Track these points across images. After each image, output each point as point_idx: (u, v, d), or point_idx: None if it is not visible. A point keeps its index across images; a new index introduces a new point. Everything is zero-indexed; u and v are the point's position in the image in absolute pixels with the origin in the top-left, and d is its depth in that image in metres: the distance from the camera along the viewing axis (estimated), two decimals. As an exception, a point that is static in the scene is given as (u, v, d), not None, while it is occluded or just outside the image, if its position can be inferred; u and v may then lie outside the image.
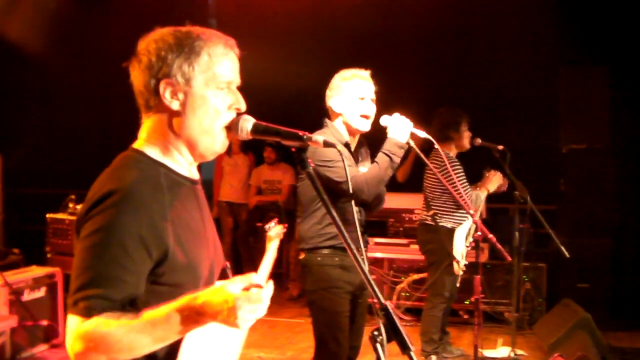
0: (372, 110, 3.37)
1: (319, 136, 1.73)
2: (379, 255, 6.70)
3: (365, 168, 3.43)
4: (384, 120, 3.36)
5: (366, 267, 1.65)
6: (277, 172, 7.86)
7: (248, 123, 1.72)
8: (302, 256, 3.42)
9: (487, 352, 5.42)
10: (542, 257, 6.47)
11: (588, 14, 6.98)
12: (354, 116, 3.35)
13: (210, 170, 8.25)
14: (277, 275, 7.76)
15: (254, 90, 2.16)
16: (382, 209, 3.66)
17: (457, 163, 5.00)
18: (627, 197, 7.16)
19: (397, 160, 3.31)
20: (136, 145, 1.72)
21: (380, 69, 3.51)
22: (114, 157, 1.70)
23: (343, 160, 1.85)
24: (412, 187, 6.06)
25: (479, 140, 5.06)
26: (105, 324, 1.46)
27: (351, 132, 3.41)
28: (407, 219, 6.95)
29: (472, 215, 3.69)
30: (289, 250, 7.64)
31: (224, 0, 8.66)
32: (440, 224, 5.08)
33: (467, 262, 4.88)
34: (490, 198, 5.74)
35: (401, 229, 6.97)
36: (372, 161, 3.41)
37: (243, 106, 1.74)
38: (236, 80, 1.74)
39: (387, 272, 6.68)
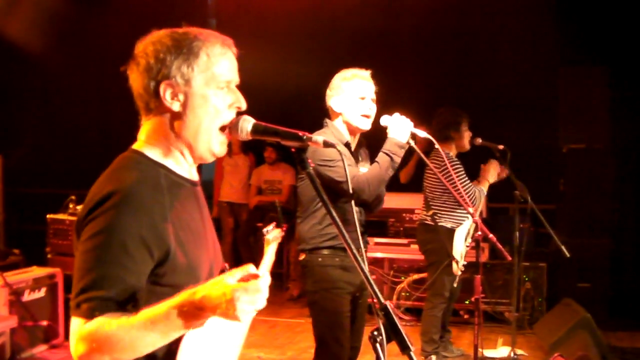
0: (372, 110, 3.38)
1: (318, 136, 1.73)
2: (379, 255, 6.70)
3: (365, 168, 3.43)
4: (384, 120, 3.36)
5: (366, 267, 1.65)
6: (278, 172, 7.87)
7: (248, 123, 1.73)
8: (302, 257, 3.42)
9: (487, 352, 5.42)
10: (542, 257, 6.48)
11: (588, 14, 6.98)
12: (354, 115, 3.35)
13: (210, 171, 8.25)
14: (278, 275, 7.77)
15: (254, 90, 2.16)
16: (383, 208, 3.66)
17: (458, 162, 5.00)
18: (627, 197, 7.16)
19: (398, 160, 3.31)
20: (136, 146, 1.72)
21: (380, 69, 3.51)
22: (114, 157, 1.70)
23: (343, 160, 1.85)
24: (413, 187, 6.07)
25: (479, 140, 5.06)
26: (107, 324, 1.46)
27: (352, 131, 3.41)
28: (407, 218, 6.95)
29: (472, 215, 3.69)
30: (289, 250, 7.65)
31: (224, 0, 8.65)
32: (440, 223, 5.08)
33: (465, 262, 4.88)
34: (491, 198, 5.75)
35: (401, 228, 6.97)
36: (371, 162, 3.41)
37: (243, 105, 1.74)
38: (235, 79, 1.75)
39: (388, 272, 6.68)
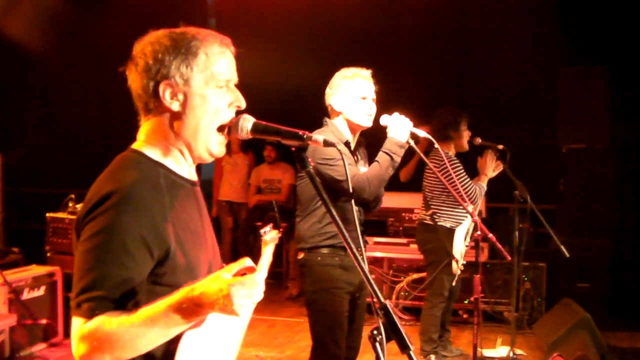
0: (373, 110, 3.37)
1: (318, 135, 1.72)
2: (378, 254, 6.70)
3: (365, 168, 3.42)
4: (384, 119, 3.36)
5: (366, 267, 1.64)
6: (277, 172, 7.87)
7: (248, 122, 1.73)
8: (301, 256, 3.41)
9: (486, 352, 5.42)
10: (542, 257, 6.48)
11: (588, 14, 6.99)
12: (356, 113, 3.35)
13: (210, 170, 8.25)
14: (277, 274, 7.77)
15: (254, 90, 2.16)
16: (382, 208, 3.66)
17: (457, 162, 5.01)
18: (627, 197, 7.17)
19: (398, 159, 3.31)
20: (135, 146, 1.72)
21: (380, 69, 3.51)
22: (114, 156, 1.70)
23: (343, 159, 1.85)
24: (412, 186, 6.07)
25: (479, 140, 5.06)
26: (107, 322, 1.47)
27: (352, 129, 3.41)
28: (406, 218, 6.96)
29: (471, 215, 3.69)
30: (289, 249, 7.65)
31: (224, 0, 8.65)
32: (439, 223, 5.08)
33: (465, 262, 4.89)
34: (490, 197, 5.75)
35: (401, 228, 6.97)
36: (370, 162, 3.40)
37: (243, 103, 1.74)
38: (234, 78, 1.75)
39: (387, 271, 6.68)
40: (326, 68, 3.57)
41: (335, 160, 3.21)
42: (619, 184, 6.86)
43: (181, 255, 1.61)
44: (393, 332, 1.52)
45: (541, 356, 5.43)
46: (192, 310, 1.46)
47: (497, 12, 7.57)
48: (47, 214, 6.31)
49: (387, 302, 1.56)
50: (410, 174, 6.18)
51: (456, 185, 4.64)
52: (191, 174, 1.78)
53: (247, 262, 1.53)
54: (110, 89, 6.41)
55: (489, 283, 6.35)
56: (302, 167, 1.71)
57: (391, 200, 6.20)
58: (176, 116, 1.69)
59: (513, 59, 7.42)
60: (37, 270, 5.38)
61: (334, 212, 1.65)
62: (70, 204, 6.25)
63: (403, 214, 6.98)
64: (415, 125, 3.36)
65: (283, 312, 6.78)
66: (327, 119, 3.44)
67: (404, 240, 6.73)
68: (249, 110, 1.76)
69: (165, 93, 1.66)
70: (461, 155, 5.21)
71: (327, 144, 1.74)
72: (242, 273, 1.51)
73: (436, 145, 3.63)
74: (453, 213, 5.08)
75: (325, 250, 3.31)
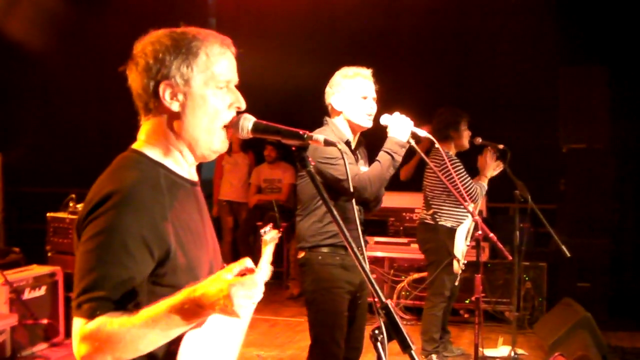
0: (374, 109, 3.37)
1: (319, 135, 1.72)
2: (379, 254, 6.70)
3: (365, 168, 3.42)
4: (385, 119, 3.35)
5: (367, 266, 1.64)
6: (277, 171, 7.87)
7: (249, 122, 1.72)
8: (301, 255, 3.40)
9: (487, 352, 5.42)
10: (542, 257, 6.48)
11: (588, 14, 6.99)
12: (356, 113, 3.34)
13: (210, 169, 8.25)
14: (278, 274, 7.77)
15: (254, 89, 2.16)
16: (383, 207, 3.66)
17: (457, 161, 5.01)
18: (627, 197, 7.17)
19: (399, 159, 3.31)
20: (136, 146, 1.72)
21: (380, 68, 3.50)
22: (114, 156, 1.70)
23: (344, 159, 1.85)
24: (413, 186, 6.07)
25: (479, 140, 5.06)
26: (109, 323, 1.47)
27: (353, 129, 3.40)
28: (407, 218, 6.96)
29: (472, 214, 3.69)
30: (289, 249, 7.65)
31: (224, 0, 8.65)
32: (440, 223, 5.08)
33: (465, 262, 4.89)
34: (491, 197, 5.75)
35: (401, 228, 6.97)
36: (370, 162, 3.40)
37: (243, 104, 1.74)
38: (234, 78, 1.75)
39: (388, 271, 6.69)
40: (326, 68, 3.56)
41: (336, 160, 3.21)
42: (619, 184, 6.87)
43: (182, 256, 1.61)
44: (394, 332, 1.52)
45: (542, 356, 5.43)
46: (194, 311, 1.46)
47: (497, 12, 7.57)
48: (48, 214, 6.31)
49: (389, 302, 1.55)
50: (411, 173, 6.19)
51: (457, 184, 4.64)
52: (191, 174, 1.77)
53: (247, 262, 1.53)
54: (110, 89, 6.41)
55: (489, 283, 6.35)
56: (302, 167, 1.71)
57: (392, 200, 6.20)
58: (176, 116, 1.69)
59: (513, 59, 7.41)
60: (38, 270, 5.38)
61: (335, 211, 1.65)
62: (71, 204, 6.25)
63: (404, 214, 6.98)
64: (416, 125, 3.36)
65: (284, 312, 6.78)
66: (327, 118, 3.43)
67: (405, 240, 6.73)
68: (249, 109, 1.76)
69: (166, 93, 1.66)
70: (462, 154, 5.21)
71: (327, 143, 1.74)
72: (243, 274, 1.51)
73: (437, 145, 3.63)
74: (454, 213, 5.08)
75: (325, 250, 3.31)
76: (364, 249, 1.77)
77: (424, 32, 7.85)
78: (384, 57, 7.48)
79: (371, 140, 3.57)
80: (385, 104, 3.49)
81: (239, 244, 7.90)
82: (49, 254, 6.24)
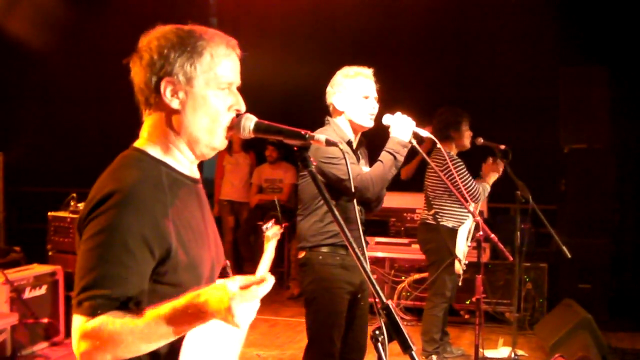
0: (375, 109, 3.36)
1: (321, 135, 1.72)
2: (380, 254, 6.70)
3: (367, 168, 3.42)
4: (386, 119, 3.34)
5: (368, 266, 1.64)
6: (279, 171, 7.87)
7: (250, 122, 1.72)
8: (302, 255, 3.40)
9: (488, 352, 5.41)
10: (543, 257, 6.48)
11: (588, 14, 6.99)
12: (358, 113, 3.34)
13: (211, 169, 8.25)
14: (278, 274, 7.77)
15: (254, 89, 2.16)
16: (383, 208, 3.65)
17: (459, 160, 5.01)
18: (628, 197, 7.17)
19: (401, 159, 3.30)
20: (137, 144, 1.72)
21: (380, 68, 3.50)
22: (115, 155, 1.69)
23: (345, 159, 1.85)
24: (414, 186, 6.07)
25: (480, 140, 5.06)
26: (111, 323, 1.47)
27: (355, 129, 3.40)
28: (408, 218, 6.96)
29: (473, 215, 3.69)
30: (290, 249, 7.65)
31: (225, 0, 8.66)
32: (442, 223, 5.08)
33: (467, 262, 4.89)
34: (492, 198, 5.74)
35: (402, 228, 6.97)
36: (371, 162, 3.39)
37: (242, 107, 1.74)
38: (237, 81, 1.74)
39: (388, 271, 6.68)
40: (327, 68, 3.56)
41: (338, 159, 3.20)
42: (620, 184, 6.86)
43: (183, 254, 1.61)
44: (395, 332, 1.51)
45: (542, 357, 5.42)
46: (197, 316, 1.47)
47: (497, 12, 7.57)
48: (49, 213, 6.32)
49: (389, 302, 1.55)
50: (412, 173, 6.20)
51: (458, 184, 4.64)
52: (192, 171, 1.77)
53: (254, 279, 1.54)
54: (110, 88, 6.42)
55: (490, 283, 6.35)
56: (304, 167, 1.70)
57: (393, 200, 6.19)
58: (175, 114, 1.68)
59: (513, 59, 7.41)
60: (38, 269, 5.38)
61: (336, 211, 1.65)
62: (72, 203, 6.26)
63: (405, 214, 6.98)
64: (418, 125, 3.36)
65: (284, 312, 6.78)
66: (329, 118, 3.43)
67: (406, 240, 6.73)
68: (249, 109, 1.76)
69: (167, 90, 1.66)
70: (464, 154, 5.21)
71: (329, 143, 1.73)
72: (247, 287, 1.52)
73: (438, 145, 3.63)
74: (455, 213, 5.07)
75: (325, 249, 3.30)
76: (365, 249, 1.77)
77: (424, 32, 7.85)
78: (384, 57, 7.47)
79: (373, 140, 3.57)
80: (386, 104, 3.49)
81: (240, 244, 7.91)
82: (50, 253, 6.25)
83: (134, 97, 1.73)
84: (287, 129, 1.71)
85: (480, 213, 5.20)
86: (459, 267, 4.82)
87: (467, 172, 4.95)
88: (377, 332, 1.55)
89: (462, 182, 4.78)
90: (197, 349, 1.62)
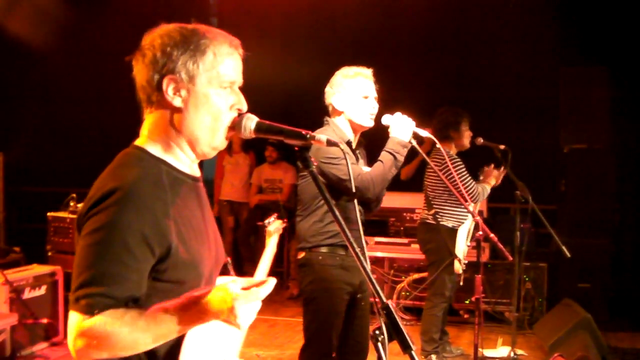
0: (375, 109, 3.36)
1: (321, 135, 1.71)
2: (379, 254, 6.70)
3: (367, 168, 3.41)
4: (386, 119, 3.34)
5: (368, 266, 1.64)
6: (278, 171, 7.87)
7: (251, 122, 1.72)
8: (301, 255, 3.39)
9: (487, 352, 5.42)
10: (543, 257, 6.48)
11: (588, 15, 6.99)
12: (358, 113, 3.34)
13: (211, 169, 8.26)
14: (278, 274, 7.77)
15: (254, 89, 2.15)
16: (383, 208, 3.65)
17: (459, 160, 5.01)
18: (628, 197, 7.17)
19: (401, 159, 3.30)
20: (138, 142, 1.72)
21: (380, 69, 3.50)
22: (115, 155, 1.69)
23: (346, 159, 1.85)
24: (413, 186, 6.07)
25: (480, 140, 5.06)
26: (109, 322, 1.47)
27: (354, 129, 3.39)
28: (407, 218, 6.96)
29: (473, 215, 3.69)
30: (290, 249, 7.65)
31: (225, -1, 8.67)
32: (442, 223, 5.08)
33: (466, 262, 4.89)
34: (492, 198, 5.74)
35: (402, 228, 6.97)
36: (370, 163, 3.39)
37: (244, 107, 1.74)
38: (239, 80, 1.75)
39: (388, 271, 6.69)
40: (326, 68, 3.56)
41: (338, 160, 3.20)
42: (620, 184, 6.86)
43: (183, 252, 1.61)
44: (395, 332, 1.52)
45: (542, 356, 5.43)
46: (198, 316, 1.48)
47: (497, 12, 7.57)
48: (48, 214, 6.32)
49: (389, 302, 1.56)
50: (412, 173, 6.20)
51: (458, 184, 4.64)
52: (193, 170, 1.77)
53: (255, 280, 1.54)
54: (110, 88, 6.42)
55: (490, 283, 6.35)
56: (305, 167, 1.70)
57: (392, 200, 6.19)
58: (177, 112, 1.69)
59: (513, 59, 7.42)
60: (38, 269, 5.38)
61: (336, 211, 1.65)
62: (72, 203, 6.26)
63: (404, 214, 6.98)
64: (418, 125, 3.36)
65: (284, 312, 6.78)
66: (328, 118, 3.42)
67: (405, 240, 6.73)
68: (249, 109, 1.76)
69: (169, 88, 1.66)
70: (463, 154, 5.21)
71: (330, 143, 1.73)
72: (248, 288, 1.52)
73: (438, 145, 3.63)
74: (455, 213, 5.08)
75: (325, 250, 3.30)
76: (365, 249, 1.77)
77: (424, 32, 7.85)
78: (384, 57, 7.47)
79: (373, 140, 3.57)
80: (385, 104, 3.49)
81: (240, 244, 7.91)
82: (49, 254, 6.25)
83: (135, 97, 1.73)
84: (288, 129, 1.71)
85: (480, 213, 5.20)
86: (458, 267, 4.82)
87: (466, 172, 4.96)
88: (377, 332, 1.55)
89: (461, 182, 4.78)
90: (197, 348, 1.62)
